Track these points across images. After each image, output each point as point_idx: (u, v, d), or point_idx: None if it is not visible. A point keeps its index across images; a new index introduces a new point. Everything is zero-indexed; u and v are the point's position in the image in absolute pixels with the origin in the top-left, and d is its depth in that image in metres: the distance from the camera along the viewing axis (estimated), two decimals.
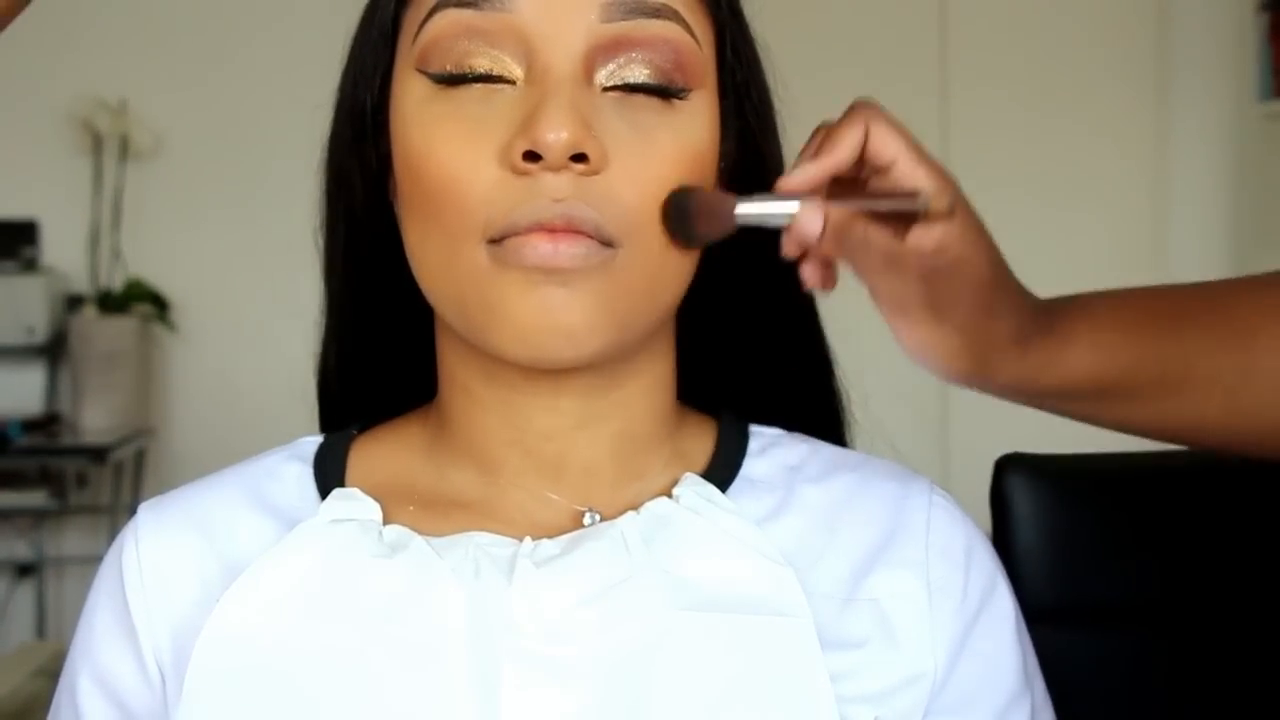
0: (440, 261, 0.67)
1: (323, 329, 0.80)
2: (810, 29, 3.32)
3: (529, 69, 0.66)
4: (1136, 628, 0.87)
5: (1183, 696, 0.86)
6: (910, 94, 3.50)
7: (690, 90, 0.68)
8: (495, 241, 0.65)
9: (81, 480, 3.29)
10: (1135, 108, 3.56)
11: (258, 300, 3.19)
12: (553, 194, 0.64)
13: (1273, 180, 3.43)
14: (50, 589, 3.29)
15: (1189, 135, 3.56)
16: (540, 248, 0.64)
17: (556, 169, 0.63)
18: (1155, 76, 3.56)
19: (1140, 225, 3.58)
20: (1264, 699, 0.86)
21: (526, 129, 0.64)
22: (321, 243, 0.77)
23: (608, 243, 0.65)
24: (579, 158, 0.64)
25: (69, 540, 3.30)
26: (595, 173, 0.64)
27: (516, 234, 0.64)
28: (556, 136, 0.63)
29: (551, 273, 0.64)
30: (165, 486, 0.76)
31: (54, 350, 3.24)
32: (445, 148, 0.66)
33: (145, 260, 3.22)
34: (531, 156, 0.64)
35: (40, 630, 3.21)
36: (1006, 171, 3.48)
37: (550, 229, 0.64)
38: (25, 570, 3.30)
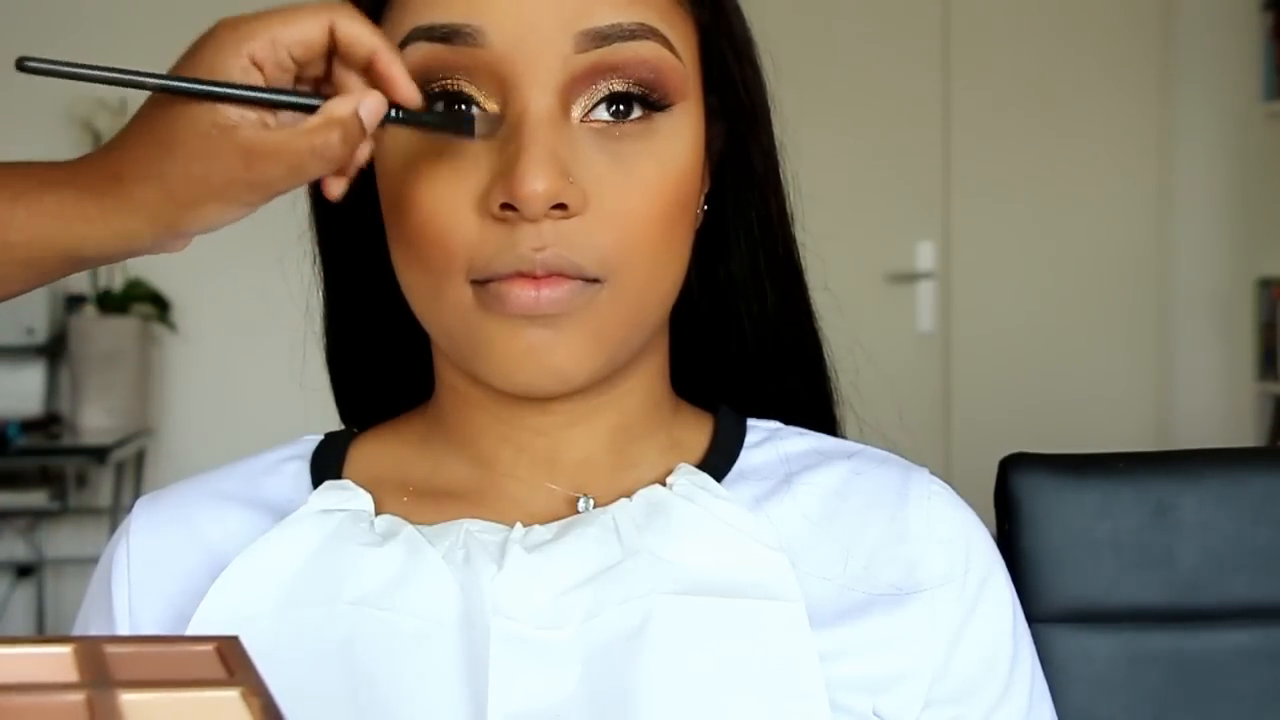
0: (426, 296, 0.67)
1: (325, 328, 0.80)
2: (812, 31, 3.32)
3: (505, 105, 0.65)
4: (1144, 629, 0.87)
5: (1190, 697, 0.86)
6: (912, 94, 3.50)
7: (672, 104, 0.67)
8: (479, 282, 0.65)
9: (81, 480, 3.29)
10: (1139, 107, 3.56)
11: (258, 300, 3.18)
12: (532, 244, 0.63)
13: (1276, 179, 3.44)
14: (50, 590, 3.29)
15: (1192, 135, 3.56)
16: (523, 296, 0.64)
17: (535, 220, 0.63)
18: (1159, 75, 3.56)
19: (1144, 225, 3.58)
20: (1272, 698, 0.86)
21: (504, 179, 0.63)
22: (314, 241, 0.77)
23: (592, 279, 0.65)
24: (558, 205, 0.63)
25: (69, 541, 3.30)
26: (576, 215, 0.64)
27: (498, 279, 0.64)
28: (533, 190, 0.62)
29: (535, 319, 0.64)
30: (165, 486, 0.76)
31: (54, 350, 3.24)
32: (426, 192, 0.65)
33: (145, 260, 3.19)
34: (510, 206, 0.63)
35: (40, 631, 3.21)
36: (1009, 172, 3.48)
37: (532, 276, 0.64)
38: (25, 571, 3.30)
